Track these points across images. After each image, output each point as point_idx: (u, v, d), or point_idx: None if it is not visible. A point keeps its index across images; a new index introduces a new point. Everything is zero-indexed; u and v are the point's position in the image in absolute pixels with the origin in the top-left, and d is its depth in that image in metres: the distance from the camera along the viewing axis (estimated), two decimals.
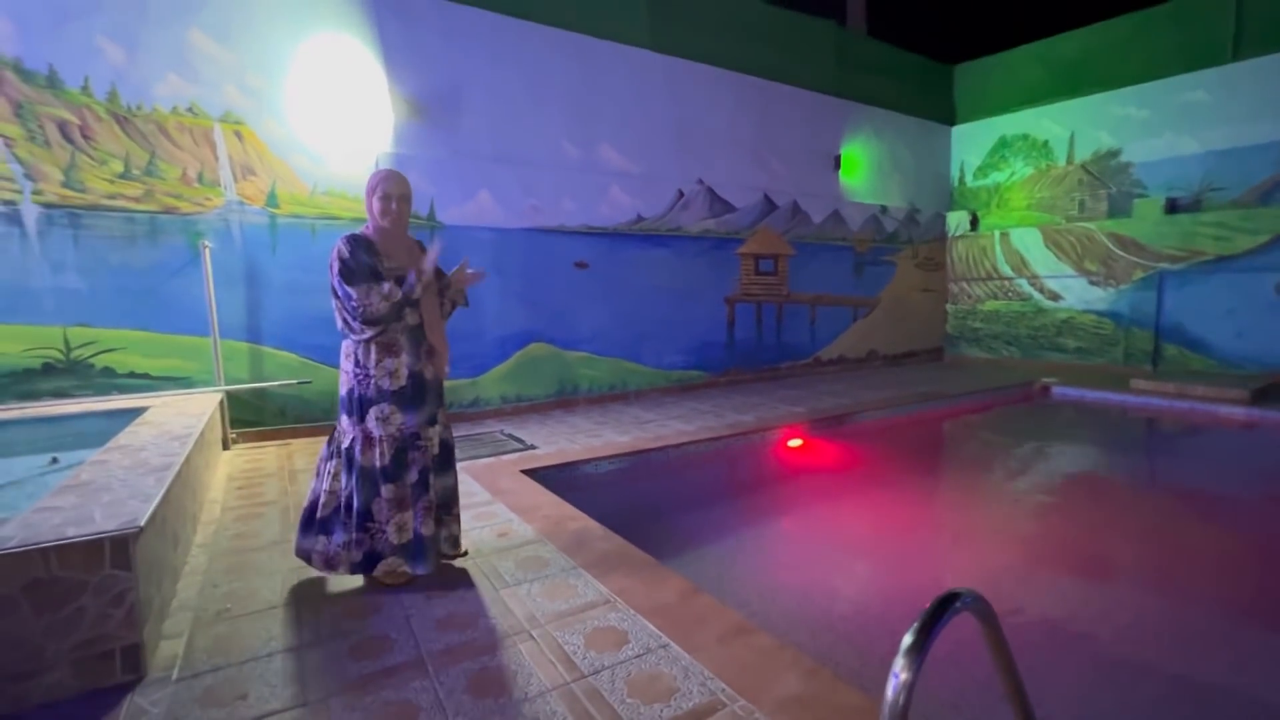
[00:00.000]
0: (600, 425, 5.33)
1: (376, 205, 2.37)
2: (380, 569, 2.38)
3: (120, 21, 4.21)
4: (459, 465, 3.09)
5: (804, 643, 2.21)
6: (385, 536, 2.36)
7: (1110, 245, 8.21)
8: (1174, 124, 7.65)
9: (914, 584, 3.03)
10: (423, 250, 2.53)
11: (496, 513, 3.18)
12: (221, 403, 4.43)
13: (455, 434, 2.96)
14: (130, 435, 3.06)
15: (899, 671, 1.05)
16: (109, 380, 4.30)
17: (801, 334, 8.27)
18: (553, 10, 5.97)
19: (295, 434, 4.90)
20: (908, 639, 1.08)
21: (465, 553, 2.65)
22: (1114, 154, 8.18)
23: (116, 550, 1.81)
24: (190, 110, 4.44)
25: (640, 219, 6.70)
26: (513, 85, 5.81)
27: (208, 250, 4.43)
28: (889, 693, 1.05)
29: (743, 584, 2.89)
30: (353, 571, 2.37)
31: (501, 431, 5.09)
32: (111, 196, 4.25)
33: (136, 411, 3.73)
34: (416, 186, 5.28)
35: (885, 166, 9.05)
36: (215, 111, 4.52)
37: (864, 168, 8.77)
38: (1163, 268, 7.77)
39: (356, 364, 2.36)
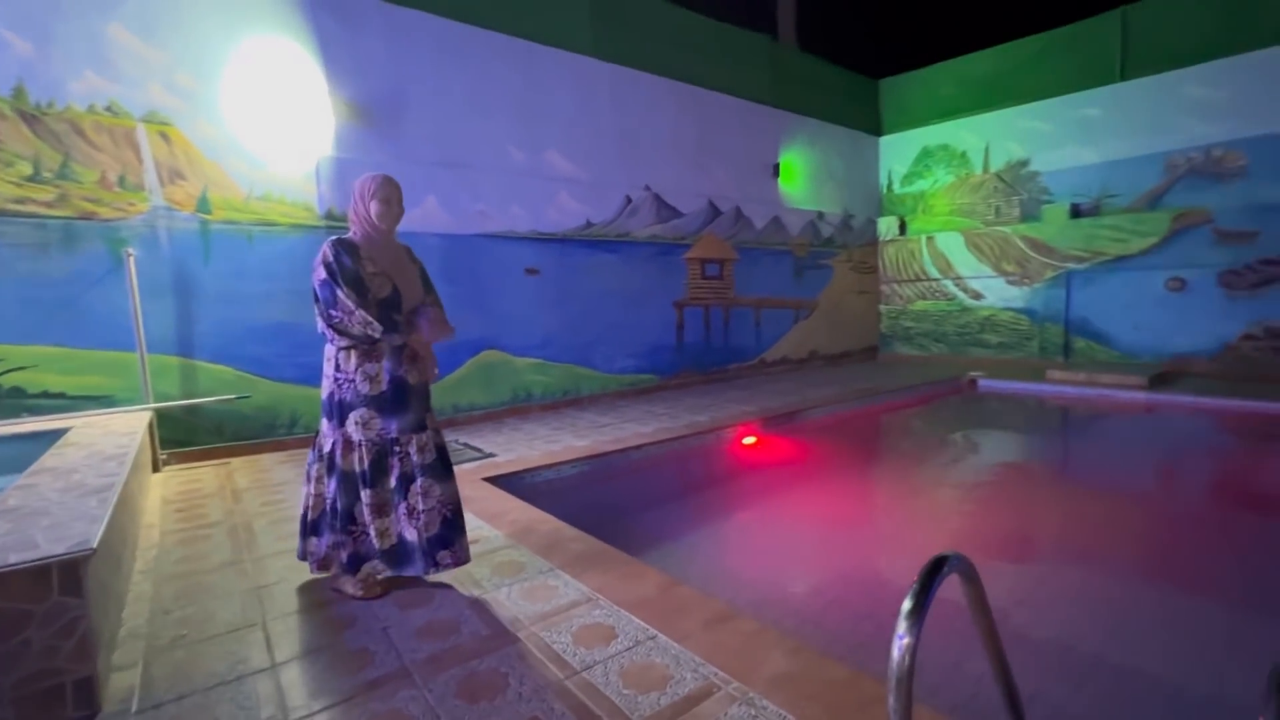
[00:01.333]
0: (557, 431, 5.31)
1: (375, 209, 2.36)
2: (363, 571, 2.35)
3: (27, 12, 3.89)
4: None
5: (778, 625, 2.30)
6: (368, 540, 2.34)
7: (1024, 247, 8.88)
8: (1074, 136, 8.39)
9: (870, 566, 3.19)
10: (410, 257, 2.55)
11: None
12: (150, 422, 4.13)
13: None
14: (56, 457, 2.81)
15: (902, 634, 1.13)
16: (18, 401, 3.93)
17: (747, 336, 8.50)
18: (497, 15, 5.94)
19: (234, 452, 4.62)
20: (907, 603, 1.15)
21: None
22: (1024, 164, 8.87)
23: (65, 575, 1.68)
24: (109, 109, 4.15)
25: (589, 225, 6.73)
26: (458, 90, 5.73)
27: (132, 258, 4.13)
28: (894, 654, 1.12)
29: (714, 575, 2.96)
30: (343, 573, 2.35)
31: (457, 441, 4.98)
32: (19, 201, 3.90)
33: (56, 434, 3.43)
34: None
35: (820, 174, 9.47)
36: (138, 111, 4.24)
37: (801, 175, 9.14)
38: (1070, 268, 8.48)
39: (337, 368, 2.34)
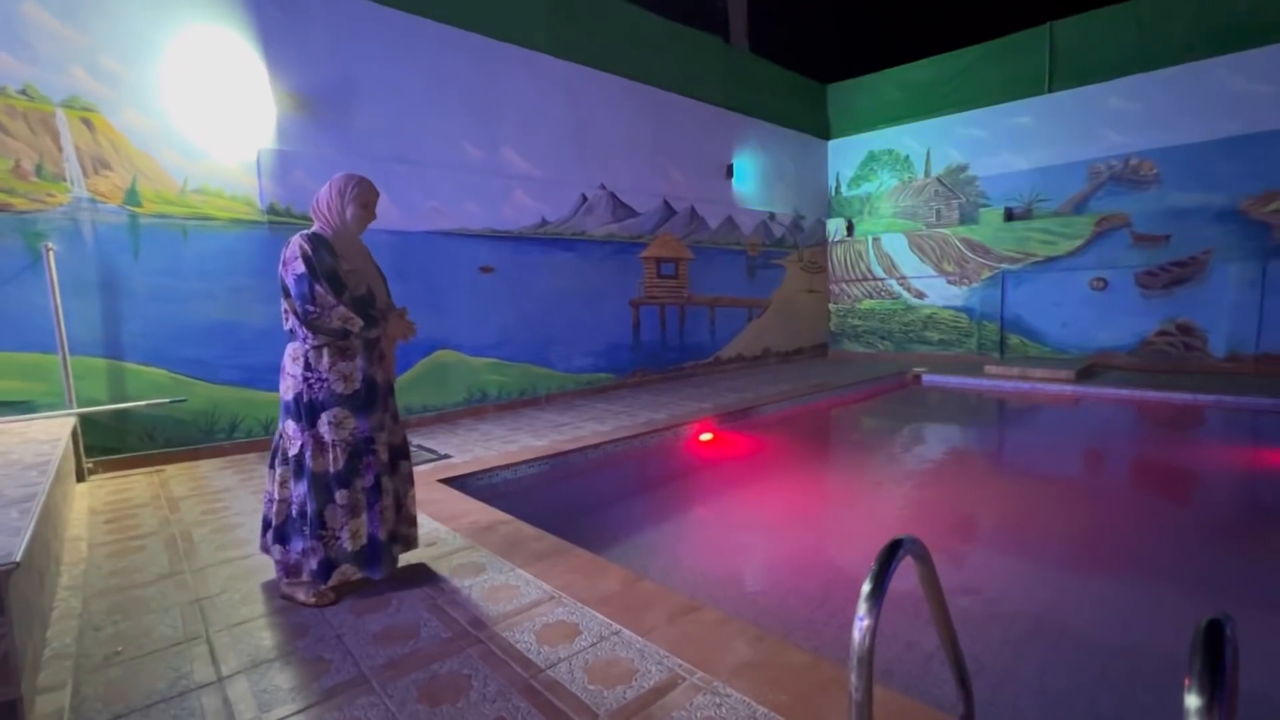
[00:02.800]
0: (514, 431, 5.24)
1: (353, 211, 2.36)
2: (335, 577, 2.32)
3: None
4: None
5: (741, 615, 2.34)
6: (340, 543, 2.29)
7: (963, 248, 9.31)
8: (1007, 144, 8.85)
9: (826, 554, 3.29)
10: (372, 263, 2.52)
11: (420, 523, 3.04)
12: (74, 428, 3.86)
13: None
14: None
15: (862, 616, 1.17)
16: None
17: (702, 334, 8.60)
18: (451, 8, 5.82)
19: (169, 459, 4.37)
20: (866, 586, 1.20)
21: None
22: (962, 169, 9.30)
23: None
24: (24, 93, 3.85)
25: (544, 223, 6.67)
26: (410, 83, 5.58)
27: (51, 253, 3.85)
28: (855, 636, 1.16)
29: (677, 569, 2.99)
30: (313, 580, 2.27)
31: (411, 443, 4.84)
32: None
33: None
34: (304, 185, 4.97)
35: (771, 176, 9.67)
36: (57, 96, 3.95)
37: (753, 176, 9.31)
38: (1004, 268, 8.93)
39: (307, 367, 2.27)
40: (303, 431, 2.26)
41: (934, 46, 9.43)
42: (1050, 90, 8.43)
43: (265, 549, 2.38)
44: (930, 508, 3.96)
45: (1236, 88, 7.17)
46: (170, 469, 4.27)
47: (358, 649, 1.96)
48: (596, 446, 4.71)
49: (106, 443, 4.17)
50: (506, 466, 4.15)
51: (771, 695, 1.65)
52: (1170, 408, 6.31)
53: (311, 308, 2.21)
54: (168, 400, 4.32)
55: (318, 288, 2.20)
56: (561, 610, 2.16)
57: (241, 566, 2.61)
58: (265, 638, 2.05)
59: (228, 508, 3.39)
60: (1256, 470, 4.59)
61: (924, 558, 1.36)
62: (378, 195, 2.44)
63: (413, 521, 2.53)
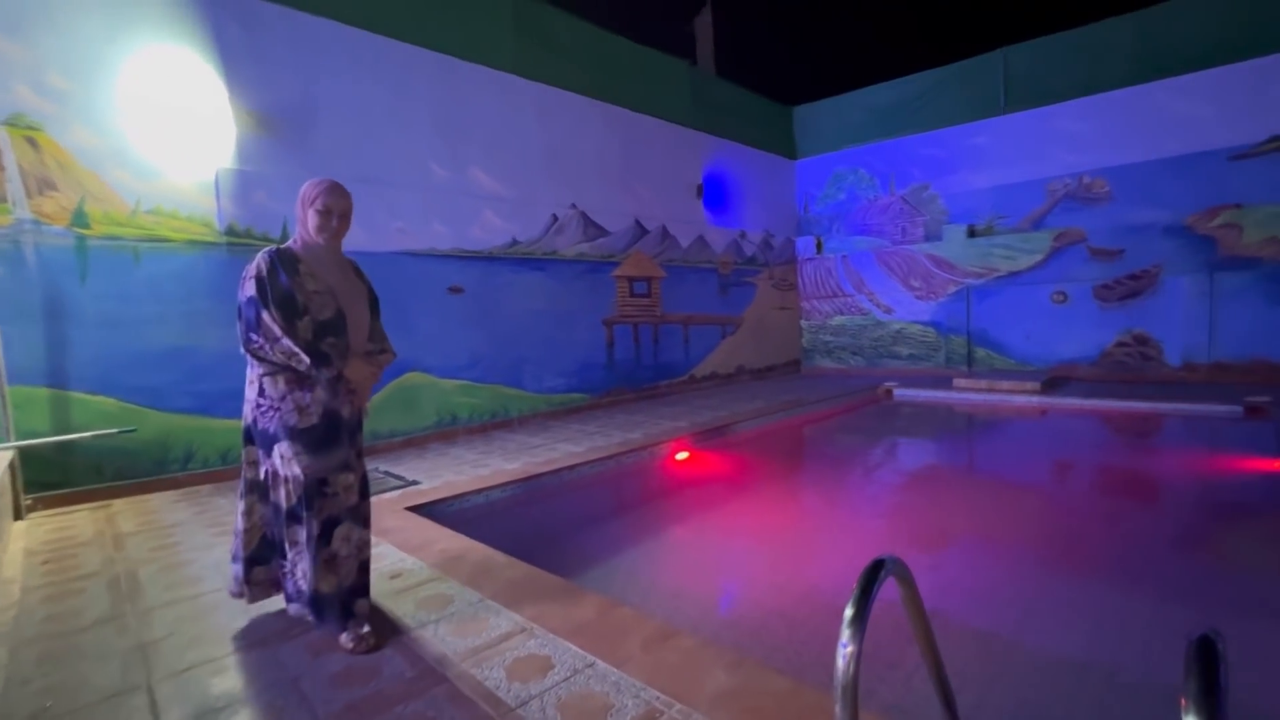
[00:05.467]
0: (486, 455, 5.12)
1: (313, 219, 2.15)
2: (291, 609, 2.19)
3: None
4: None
5: (720, 640, 2.27)
6: (296, 579, 2.15)
7: (929, 265, 9.52)
8: (967, 163, 9.12)
9: (806, 573, 3.24)
10: (358, 274, 2.36)
11: (384, 554, 2.91)
12: (12, 462, 3.63)
13: None
14: None
15: (846, 642, 1.12)
16: None
17: (676, 353, 8.59)
18: (415, 29, 5.79)
19: (117, 493, 4.14)
20: (849, 610, 1.15)
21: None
22: (925, 187, 9.55)
23: None
24: None
25: (515, 243, 6.61)
26: (374, 103, 5.52)
27: None
28: (839, 663, 1.11)
29: (654, 593, 2.90)
30: (287, 601, 2.18)
31: (378, 469, 4.69)
32: None
33: None
34: (264, 206, 4.84)
35: (741, 195, 9.79)
36: None
37: (723, 196, 9.42)
38: (969, 283, 9.15)
39: (261, 393, 2.11)
40: (265, 457, 2.13)
41: (896, 70, 9.73)
42: (1006, 112, 8.74)
43: (238, 590, 2.23)
44: (907, 522, 3.95)
45: (1179, 110, 7.53)
46: (118, 504, 4.03)
47: (315, 692, 1.84)
48: (571, 468, 4.62)
49: (48, 477, 3.93)
50: (477, 491, 4.03)
51: None
52: (1130, 416, 6.48)
53: (255, 336, 2.02)
54: (116, 430, 4.10)
55: (264, 315, 2.00)
56: (533, 643, 2.06)
57: (192, 607, 2.45)
58: (214, 685, 1.91)
59: (179, 544, 3.21)
60: (1214, 475, 4.70)
61: (905, 578, 1.32)
62: (344, 199, 2.20)
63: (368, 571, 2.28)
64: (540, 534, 3.81)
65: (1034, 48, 8.48)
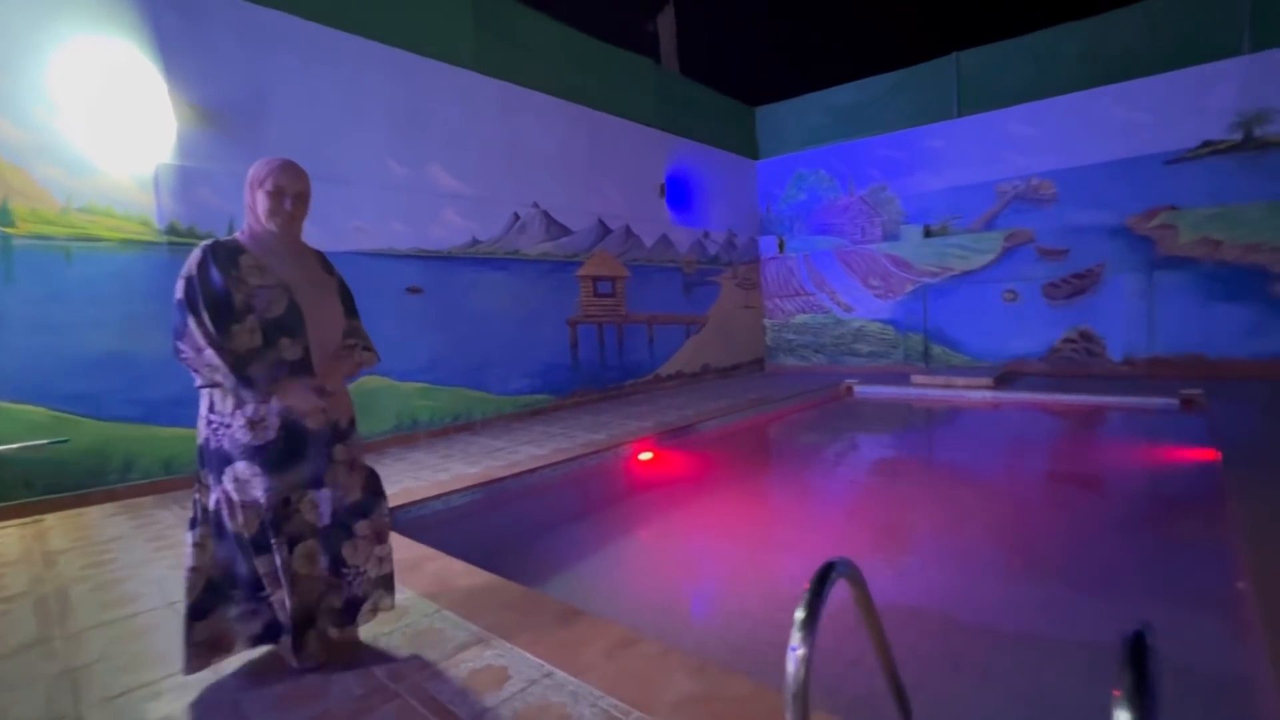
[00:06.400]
0: (446, 459, 5.01)
1: (263, 203, 1.91)
2: (280, 645, 1.96)
3: None
4: None
5: (683, 644, 2.26)
6: (270, 614, 1.95)
7: (887, 264, 9.73)
8: (923, 165, 9.36)
9: (769, 572, 3.26)
10: (324, 267, 2.11)
11: None
12: None
13: None
14: None
15: (796, 645, 1.12)
16: None
17: (641, 352, 8.58)
18: (371, 23, 5.63)
19: (49, 507, 3.91)
20: (799, 614, 1.15)
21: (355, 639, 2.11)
22: (883, 188, 9.76)
23: None
24: None
25: (476, 242, 6.50)
26: (326, 97, 5.34)
27: None
28: (789, 668, 1.11)
29: (618, 597, 2.88)
30: (254, 644, 1.94)
31: None
32: None
33: None
34: (209, 204, 4.64)
35: (704, 194, 9.84)
36: None
37: (686, 195, 9.45)
38: (925, 281, 9.39)
39: (211, 408, 1.88)
40: (216, 484, 1.88)
41: (857, 72, 9.90)
42: (959, 115, 9.00)
43: (189, 667, 1.87)
44: (868, 517, 4.02)
45: (1119, 115, 7.86)
46: (50, 518, 3.81)
47: (257, 715, 1.75)
48: (533, 471, 4.56)
49: None
50: (436, 497, 3.94)
51: None
52: (1074, 410, 6.74)
53: (181, 345, 1.79)
54: (46, 441, 3.87)
55: (190, 322, 1.76)
56: (490, 653, 2.01)
57: (126, 628, 2.32)
58: (148, 711, 1.81)
59: (115, 560, 3.04)
60: (1150, 464, 4.93)
61: (857, 579, 1.32)
62: (299, 179, 1.95)
63: (381, 584, 2.12)
64: (501, 540, 3.75)
65: (986, 52, 8.74)
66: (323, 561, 1.99)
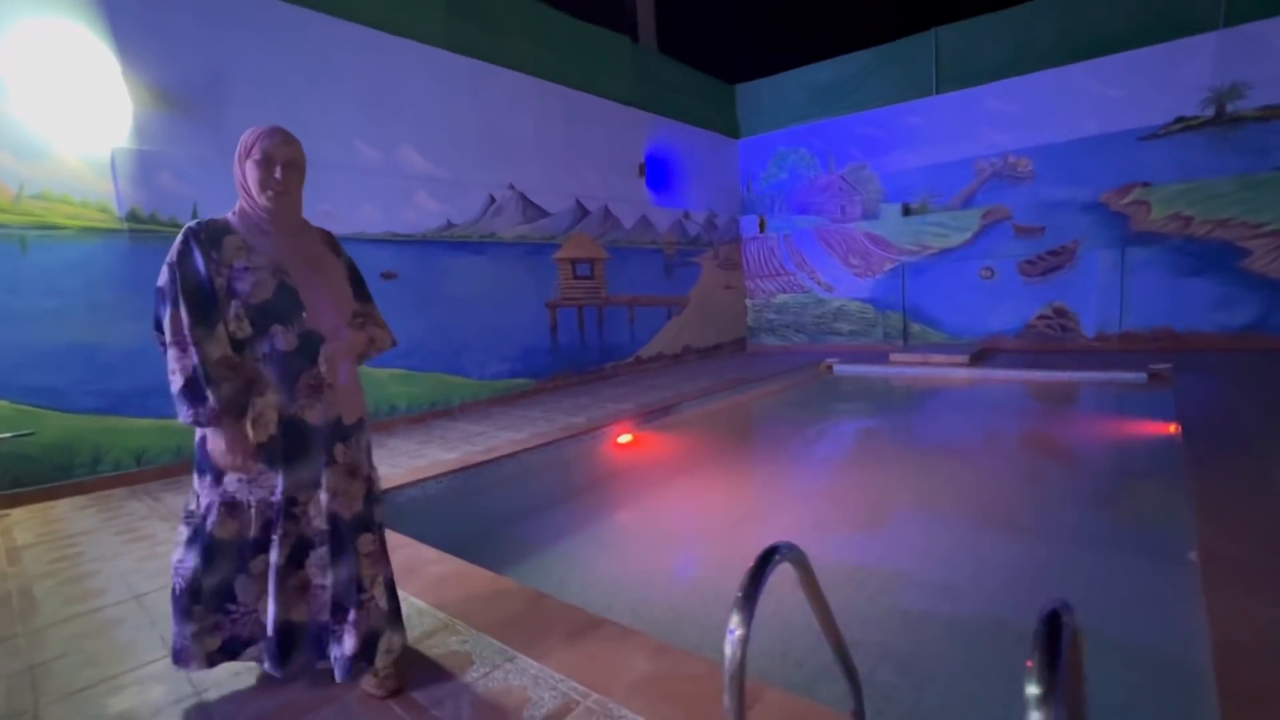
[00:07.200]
0: (424, 445, 5.00)
1: (252, 174, 1.72)
2: (243, 658, 1.80)
3: None
4: None
5: (650, 626, 2.30)
6: (256, 616, 1.77)
7: (866, 243, 9.76)
8: (902, 142, 9.34)
9: (746, 548, 3.31)
10: (330, 246, 1.92)
11: None
12: None
13: None
14: None
15: (734, 628, 1.14)
16: None
17: (622, 334, 8.57)
18: (335, 1, 5.46)
19: (14, 501, 3.86)
20: (738, 595, 1.18)
21: (397, 689, 1.79)
22: (863, 166, 9.74)
23: None
24: None
25: (451, 225, 6.41)
26: (290, 77, 5.20)
27: None
28: (727, 649, 1.13)
29: (591, 581, 2.92)
30: (210, 664, 1.75)
31: None
32: None
33: None
34: (171, 189, 4.52)
35: (684, 174, 9.76)
36: None
37: (666, 175, 9.37)
38: (904, 260, 9.43)
39: None
40: (210, 489, 1.72)
41: (836, 48, 9.81)
42: (937, 92, 8.96)
43: (179, 657, 1.75)
44: (844, 494, 4.09)
45: (1094, 91, 7.88)
46: (17, 513, 3.76)
47: (220, 709, 1.76)
48: (511, 456, 4.56)
49: None
50: (412, 484, 3.93)
51: (666, 711, 1.61)
52: (1046, 385, 6.86)
53: (160, 335, 1.64)
54: (9, 435, 3.80)
55: (166, 314, 1.61)
56: (455, 639, 2.03)
57: (90, 622, 2.31)
58: (109, 706, 1.81)
59: (82, 554, 3.02)
60: (1114, 439, 5.04)
61: (801, 563, 1.35)
62: (289, 146, 1.76)
63: (392, 618, 1.84)
64: (475, 526, 3.76)
65: (964, 28, 8.69)
66: (338, 575, 1.75)
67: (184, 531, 1.76)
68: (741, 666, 1.12)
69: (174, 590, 1.73)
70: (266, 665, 1.76)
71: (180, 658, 1.74)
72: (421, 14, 6.15)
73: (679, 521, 3.79)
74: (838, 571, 2.76)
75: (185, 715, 1.74)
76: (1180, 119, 7.46)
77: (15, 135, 3.89)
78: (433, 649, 1.98)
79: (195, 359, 1.59)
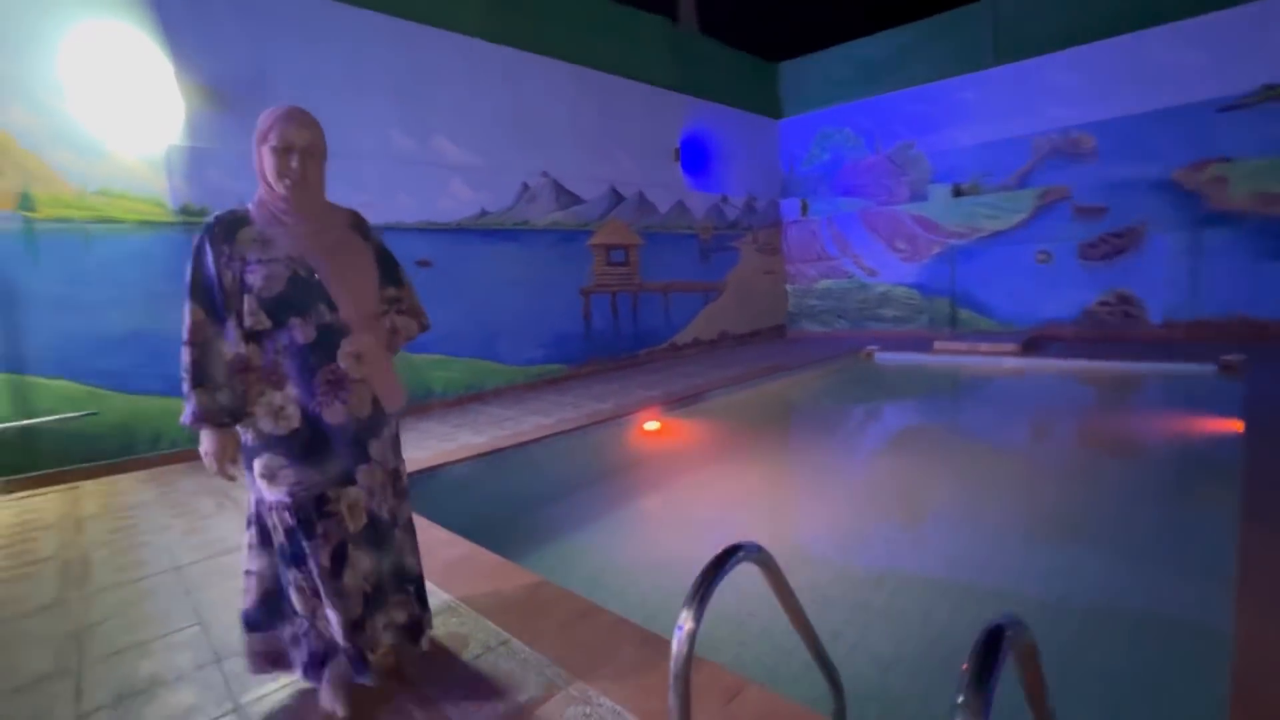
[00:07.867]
0: (457, 429, 5.16)
1: (269, 161, 1.63)
2: (330, 673, 1.70)
3: None
4: None
5: (661, 617, 2.32)
6: (329, 626, 1.70)
7: (913, 226, 9.38)
8: (953, 119, 8.88)
9: (772, 543, 3.29)
10: (358, 229, 1.84)
11: None
12: None
13: None
14: None
15: (682, 623, 1.15)
16: None
17: (656, 320, 8.56)
18: None
19: (86, 475, 4.20)
20: (690, 592, 1.18)
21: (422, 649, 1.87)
22: (910, 145, 9.33)
23: None
24: None
25: (485, 213, 6.52)
26: (330, 72, 5.37)
27: None
28: (674, 644, 1.14)
29: (603, 569, 2.96)
30: (305, 675, 1.71)
31: None
32: None
33: None
34: (219, 184, 4.76)
35: (722, 157, 9.59)
36: None
37: (703, 159, 9.23)
38: (953, 243, 9.03)
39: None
40: (252, 481, 1.68)
41: (885, 22, 9.39)
42: (994, 64, 8.46)
43: (255, 664, 1.75)
44: (879, 488, 4.00)
45: (1169, 59, 7.28)
46: (87, 485, 4.10)
47: (235, 679, 1.89)
48: (536, 441, 4.65)
49: (13, 460, 3.99)
50: (438, 468, 4.07)
51: (645, 702, 1.63)
52: (1104, 377, 6.47)
53: (183, 329, 1.61)
54: (77, 414, 4.14)
55: (184, 308, 1.59)
56: (455, 620, 2.11)
57: (135, 590, 2.51)
58: (141, 667, 1.97)
59: (135, 525, 3.27)
60: (1174, 436, 4.72)
61: (767, 564, 1.33)
62: (307, 129, 1.65)
63: (412, 607, 1.86)
64: (494, 510, 3.86)
65: None
66: (382, 569, 1.77)
67: (251, 533, 1.74)
68: (688, 663, 1.13)
69: (264, 595, 1.73)
70: (354, 675, 1.69)
71: (280, 661, 1.76)
72: (456, 3, 6.22)
73: (697, 510, 3.79)
74: (838, 570, 2.71)
75: (204, 679, 1.88)
76: (1268, 87, 6.80)
77: (77, 135, 4.17)
78: (434, 630, 2.06)
79: (187, 359, 1.60)
